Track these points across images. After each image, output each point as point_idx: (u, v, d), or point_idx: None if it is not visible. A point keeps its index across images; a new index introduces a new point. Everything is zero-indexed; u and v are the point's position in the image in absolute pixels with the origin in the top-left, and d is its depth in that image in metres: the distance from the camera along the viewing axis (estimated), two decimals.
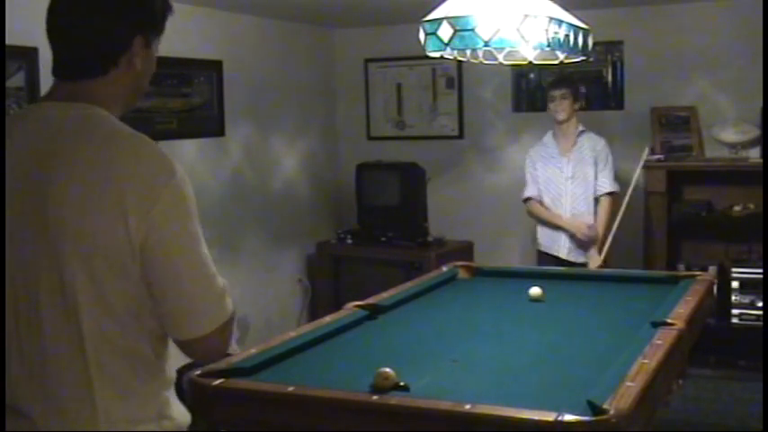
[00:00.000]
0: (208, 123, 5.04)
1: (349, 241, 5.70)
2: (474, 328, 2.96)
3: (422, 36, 2.93)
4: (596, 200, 4.74)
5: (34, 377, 1.50)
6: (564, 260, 4.68)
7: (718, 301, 4.41)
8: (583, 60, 3.27)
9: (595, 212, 4.73)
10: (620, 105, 5.54)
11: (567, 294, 3.46)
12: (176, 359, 1.64)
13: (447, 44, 2.82)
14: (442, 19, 2.82)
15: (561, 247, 4.73)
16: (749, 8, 5.01)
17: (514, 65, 4.41)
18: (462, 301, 3.45)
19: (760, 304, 4.85)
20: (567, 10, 2.96)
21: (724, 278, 4.90)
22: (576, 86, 4.91)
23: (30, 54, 3.76)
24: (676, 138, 5.27)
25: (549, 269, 4.20)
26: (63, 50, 1.54)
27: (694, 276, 3.59)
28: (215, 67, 5.05)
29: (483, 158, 5.94)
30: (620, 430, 1.88)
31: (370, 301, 3.15)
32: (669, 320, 2.74)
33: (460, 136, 6.00)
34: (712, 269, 4.88)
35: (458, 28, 2.78)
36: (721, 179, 5.20)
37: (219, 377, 2.23)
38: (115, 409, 1.50)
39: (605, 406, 1.92)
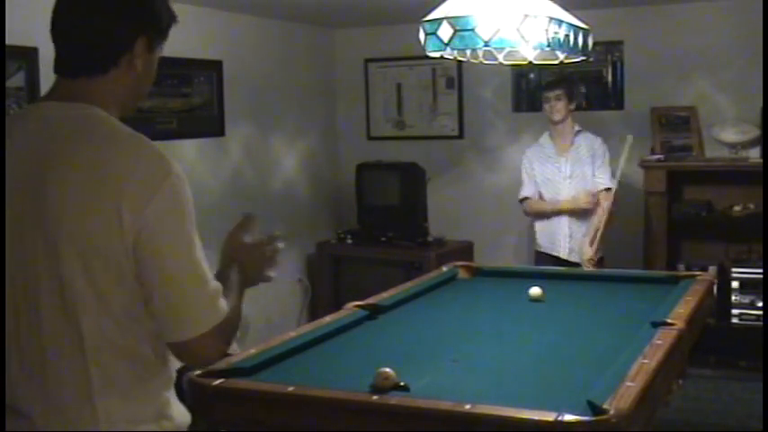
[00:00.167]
0: (208, 123, 5.04)
1: (349, 241, 5.70)
2: (474, 329, 2.96)
3: (422, 36, 2.93)
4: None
5: (34, 377, 1.50)
6: (563, 260, 4.67)
7: (718, 301, 4.41)
8: (583, 60, 3.27)
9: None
10: (620, 105, 5.55)
11: (567, 294, 3.46)
12: (176, 360, 1.64)
13: (447, 44, 2.82)
14: (442, 19, 2.82)
15: (560, 247, 4.72)
16: (749, 8, 5.01)
17: (514, 65, 4.41)
18: (462, 302, 3.45)
19: (760, 304, 4.85)
20: (567, 10, 2.96)
21: (724, 278, 4.90)
22: (571, 87, 4.90)
23: (30, 54, 3.76)
24: (676, 138, 5.27)
25: (550, 269, 4.20)
26: (65, 47, 1.55)
27: (694, 276, 3.59)
28: (215, 67, 5.05)
29: (483, 158, 5.94)
30: (620, 430, 1.88)
31: (370, 301, 3.15)
32: (669, 320, 2.74)
33: (460, 136, 6.00)
34: (712, 269, 4.88)
35: (458, 28, 2.78)
36: (721, 179, 5.20)
37: (219, 377, 2.23)
38: (115, 409, 1.50)
39: (605, 406, 1.92)
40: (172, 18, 1.63)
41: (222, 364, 2.28)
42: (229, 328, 1.59)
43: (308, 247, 5.86)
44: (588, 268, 4.52)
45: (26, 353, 1.50)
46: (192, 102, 4.91)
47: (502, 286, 3.69)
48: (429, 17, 2.89)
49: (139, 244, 1.45)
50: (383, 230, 5.59)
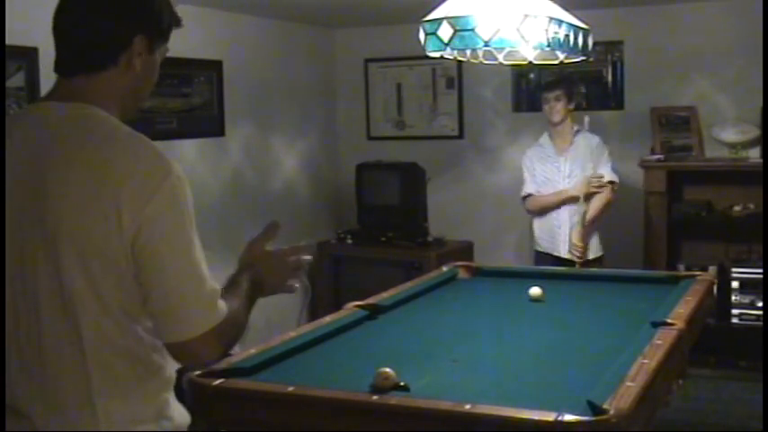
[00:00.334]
0: (208, 123, 5.04)
1: (349, 241, 5.70)
2: (474, 329, 2.96)
3: (422, 36, 2.93)
4: None
5: (34, 377, 1.50)
6: (563, 260, 4.67)
7: (718, 301, 4.41)
8: (583, 60, 3.27)
9: None
10: (620, 105, 5.55)
11: (567, 294, 3.46)
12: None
13: (447, 44, 2.82)
14: (442, 19, 2.82)
15: (560, 246, 4.72)
16: (749, 8, 5.01)
17: (514, 65, 4.41)
18: (462, 301, 3.45)
19: (760, 304, 4.84)
20: (567, 10, 2.96)
21: (724, 278, 4.90)
22: (570, 87, 4.90)
23: (30, 54, 3.76)
24: (676, 138, 5.27)
25: (550, 269, 4.20)
26: (64, 46, 1.56)
27: (694, 276, 3.59)
28: (215, 67, 5.06)
29: (483, 158, 5.94)
30: (620, 430, 1.88)
31: (370, 301, 3.15)
32: (669, 320, 2.74)
33: (460, 136, 6.00)
34: (712, 269, 4.88)
35: (458, 28, 2.78)
36: (721, 179, 5.20)
37: (219, 377, 2.23)
38: (115, 409, 1.50)
39: (605, 406, 1.92)
40: (174, 20, 1.63)
41: (222, 364, 2.28)
42: (229, 330, 1.58)
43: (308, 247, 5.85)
44: (574, 256, 4.51)
45: (26, 353, 1.50)
46: (191, 102, 4.91)
47: (502, 286, 3.69)
48: (429, 17, 2.89)
49: (138, 244, 1.45)
50: (383, 230, 5.59)
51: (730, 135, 5.09)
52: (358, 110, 6.28)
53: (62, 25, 1.56)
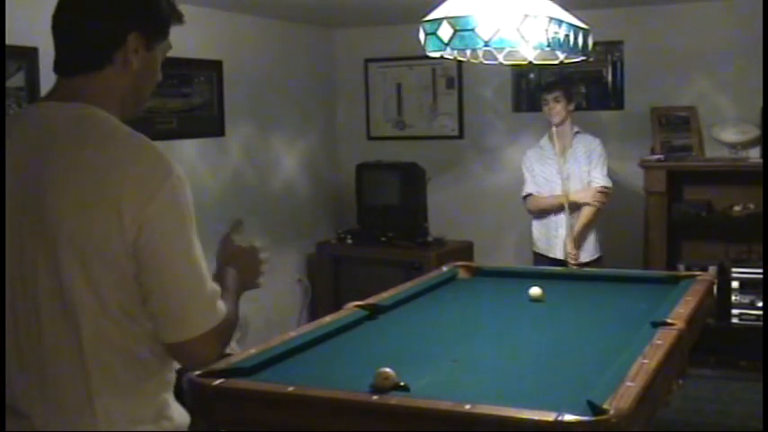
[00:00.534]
0: (208, 123, 5.04)
1: (349, 241, 5.70)
2: (474, 329, 2.96)
3: (422, 36, 2.93)
4: None
5: (33, 377, 1.50)
6: (560, 261, 4.66)
7: (718, 301, 4.41)
8: (583, 60, 3.27)
9: None
10: (620, 105, 5.55)
11: (567, 294, 3.46)
12: None
13: (447, 44, 2.82)
14: (442, 19, 2.82)
15: (557, 248, 4.72)
16: (749, 8, 5.01)
17: (514, 65, 4.41)
18: (462, 301, 3.45)
19: (760, 304, 4.85)
20: (567, 10, 2.96)
21: (724, 278, 4.90)
22: (570, 88, 4.90)
23: (30, 54, 3.76)
24: (676, 138, 5.27)
25: (550, 269, 4.20)
26: (62, 47, 1.56)
27: (694, 276, 3.59)
28: (215, 67, 5.06)
29: (483, 158, 5.94)
30: (620, 430, 1.88)
31: (370, 301, 3.15)
32: (669, 320, 2.74)
33: (460, 136, 6.00)
34: (712, 269, 4.88)
35: (458, 28, 2.78)
36: (721, 179, 5.20)
37: (219, 377, 2.23)
38: (114, 409, 1.50)
39: (605, 406, 1.92)
40: (175, 16, 1.62)
41: (222, 364, 2.28)
42: (227, 330, 1.59)
43: (308, 247, 5.86)
44: (570, 263, 4.52)
45: (25, 353, 1.50)
46: (191, 102, 4.91)
47: (502, 286, 3.69)
48: (429, 17, 2.89)
49: (139, 245, 1.45)
50: (383, 230, 5.59)
51: (730, 135, 5.09)
52: (358, 110, 6.28)
53: (59, 26, 1.56)
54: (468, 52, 3.13)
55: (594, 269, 4.34)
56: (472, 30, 2.76)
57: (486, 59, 3.21)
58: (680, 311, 2.88)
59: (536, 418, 1.90)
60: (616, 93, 5.56)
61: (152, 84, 1.63)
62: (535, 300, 3.29)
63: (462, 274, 3.82)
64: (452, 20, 2.79)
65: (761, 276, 4.82)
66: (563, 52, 2.99)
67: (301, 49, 5.93)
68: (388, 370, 2.15)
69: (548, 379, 2.35)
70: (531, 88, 5.79)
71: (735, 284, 4.93)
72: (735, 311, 4.92)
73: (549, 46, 2.82)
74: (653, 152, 5.26)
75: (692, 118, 5.26)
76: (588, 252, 4.70)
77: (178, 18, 1.63)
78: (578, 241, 4.63)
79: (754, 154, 5.06)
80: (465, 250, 5.52)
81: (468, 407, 1.96)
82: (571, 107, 4.73)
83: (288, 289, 5.77)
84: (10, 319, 1.51)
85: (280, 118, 5.69)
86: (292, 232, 5.79)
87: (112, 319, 1.48)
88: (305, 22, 5.87)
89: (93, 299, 1.46)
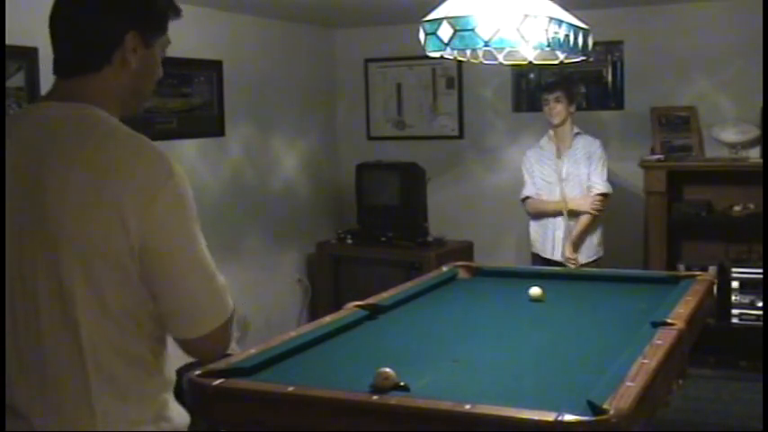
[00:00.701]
0: (208, 123, 5.04)
1: (349, 241, 5.70)
2: (474, 328, 2.96)
3: (422, 36, 2.93)
4: None
5: (32, 378, 1.50)
6: (558, 263, 4.65)
7: (718, 301, 4.41)
8: (583, 60, 3.27)
9: None
10: (620, 105, 5.55)
11: (567, 294, 3.46)
12: (176, 360, 1.64)
13: (447, 44, 2.82)
14: (442, 19, 2.82)
15: (554, 249, 4.71)
16: (749, 8, 5.01)
17: (514, 65, 4.41)
18: (462, 301, 3.45)
19: (760, 304, 4.85)
20: (567, 10, 2.96)
21: (724, 278, 4.90)
22: (571, 88, 4.89)
23: (30, 54, 3.76)
24: (676, 138, 5.27)
25: (550, 269, 4.20)
26: (59, 48, 1.56)
27: (694, 276, 3.58)
28: (215, 67, 5.06)
29: (483, 158, 5.94)
30: (620, 430, 1.88)
31: (370, 301, 3.15)
32: (669, 320, 2.74)
33: (460, 136, 6.00)
34: (712, 269, 4.88)
35: (458, 28, 2.78)
36: (721, 179, 5.20)
37: (219, 377, 2.23)
38: (113, 410, 1.49)
39: (605, 406, 1.92)
40: (172, 10, 1.61)
41: (222, 364, 2.28)
42: (233, 323, 1.61)
43: (308, 247, 5.86)
44: (570, 267, 4.53)
45: (25, 353, 1.50)
46: (192, 102, 4.91)
47: (502, 286, 3.69)
48: (429, 17, 2.89)
49: (147, 246, 1.45)
50: (383, 230, 5.59)
51: (730, 135, 5.09)
52: (358, 110, 6.28)
53: (56, 27, 1.55)
54: (468, 52, 3.13)
55: (595, 269, 4.34)
56: (472, 30, 2.76)
57: (486, 59, 3.21)
58: (680, 311, 2.88)
59: (536, 418, 1.90)
60: (616, 93, 5.56)
61: (153, 80, 1.63)
62: (535, 300, 3.29)
63: (462, 274, 3.82)
64: (452, 20, 2.79)
65: (761, 276, 4.82)
66: (563, 52, 2.99)
67: (301, 49, 5.93)
68: (388, 370, 2.15)
69: (548, 379, 2.35)
70: (531, 88, 5.79)
71: (735, 284, 4.93)
72: (735, 311, 4.92)
73: (549, 46, 2.82)
74: (653, 152, 5.26)
75: (692, 118, 5.26)
76: (586, 253, 4.70)
77: (175, 12, 1.62)
78: (577, 246, 4.63)
79: (754, 154, 5.06)
80: (465, 250, 5.52)
81: (468, 407, 1.96)
82: (572, 108, 4.71)
83: (288, 289, 5.77)
84: (9, 320, 1.51)
85: (280, 118, 5.69)
86: (292, 232, 5.79)
87: (113, 320, 1.48)
88: (305, 22, 5.87)
89: (93, 299, 1.46)
